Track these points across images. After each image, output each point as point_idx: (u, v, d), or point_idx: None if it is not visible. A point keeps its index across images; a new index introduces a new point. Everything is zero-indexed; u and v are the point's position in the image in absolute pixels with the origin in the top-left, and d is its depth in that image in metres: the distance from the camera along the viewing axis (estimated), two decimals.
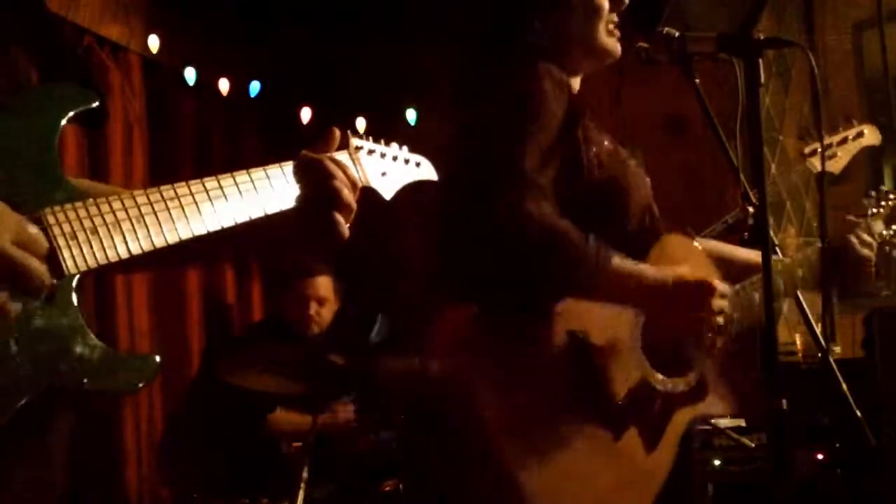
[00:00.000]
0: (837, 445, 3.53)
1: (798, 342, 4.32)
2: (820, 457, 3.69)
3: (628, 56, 2.15)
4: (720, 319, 1.99)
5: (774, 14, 5.32)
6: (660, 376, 1.99)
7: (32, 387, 1.34)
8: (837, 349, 4.36)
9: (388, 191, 1.79)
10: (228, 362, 3.57)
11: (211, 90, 5.24)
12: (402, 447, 3.70)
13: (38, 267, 1.33)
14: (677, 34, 2.04)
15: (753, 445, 3.68)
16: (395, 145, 1.83)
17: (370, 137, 1.79)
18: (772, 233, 1.89)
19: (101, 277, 4.38)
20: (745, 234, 2.72)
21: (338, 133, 1.65)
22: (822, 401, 2.98)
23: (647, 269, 1.94)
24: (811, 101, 5.46)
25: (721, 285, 1.99)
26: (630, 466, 1.94)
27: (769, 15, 5.11)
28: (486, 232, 1.85)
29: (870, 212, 2.43)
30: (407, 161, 1.85)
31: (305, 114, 5.67)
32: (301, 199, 1.58)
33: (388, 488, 3.72)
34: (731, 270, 2.17)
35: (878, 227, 2.42)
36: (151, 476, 4.57)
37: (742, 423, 3.76)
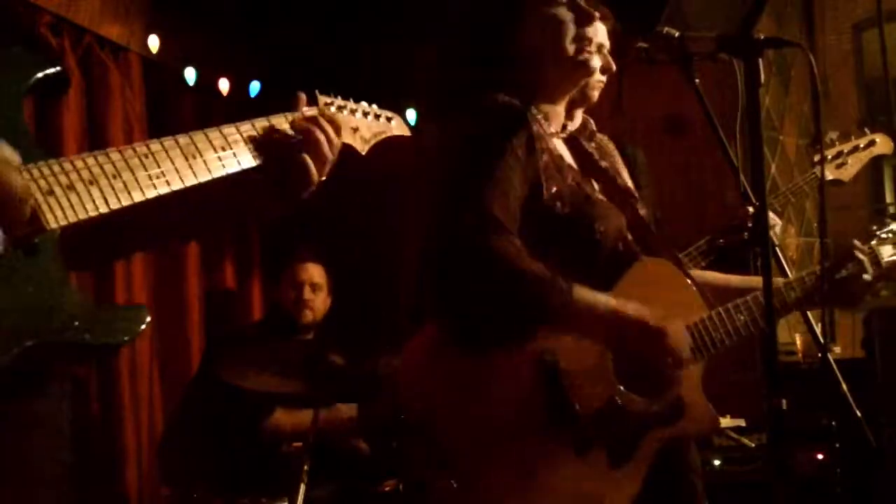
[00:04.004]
0: (837, 445, 3.53)
1: (798, 342, 4.32)
2: (820, 457, 3.69)
3: (628, 56, 2.15)
4: (677, 356, 2.00)
5: (774, 14, 5.33)
6: (630, 396, 2.01)
7: (23, 338, 1.33)
8: (837, 349, 4.37)
9: (360, 145, 1.80)
10: (228, 361, 3.57)
11: (211, 90, 5.24)
12: (400, 447, 3.70)
13: (22, 204, 1.32)
14: (677, 34, 2.03)
15: (753, 445, 3.68)
16: (363, 102, 1.84)
17: (339, 95, 1.80)
18: (772, 233, 1.89)
19: (101, 277, 4.39)
20: (745, 234, 2.72)
21: (304, 97, 1.68)
22: (822, 401, 2.98)
23: (608, 306, 1.95)
24: (811, 101, 5.47)
25: (677, 329, 2.00)
26: (592, 482, 1.97)
27: (769, 15, 5.12)
28: (455, 265, 1.89)
29: (876, 237, 2.38)
30: (378, 116, 1.86)
31: None
32: (272, 151, 1.62)
33: (388, 488, 3.73)
34: (724, 297, 2.18)
35: (887, 251, 2.37)
36: (151, 475, 4.57)
37: (742, 423, 3.77)
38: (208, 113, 5.33)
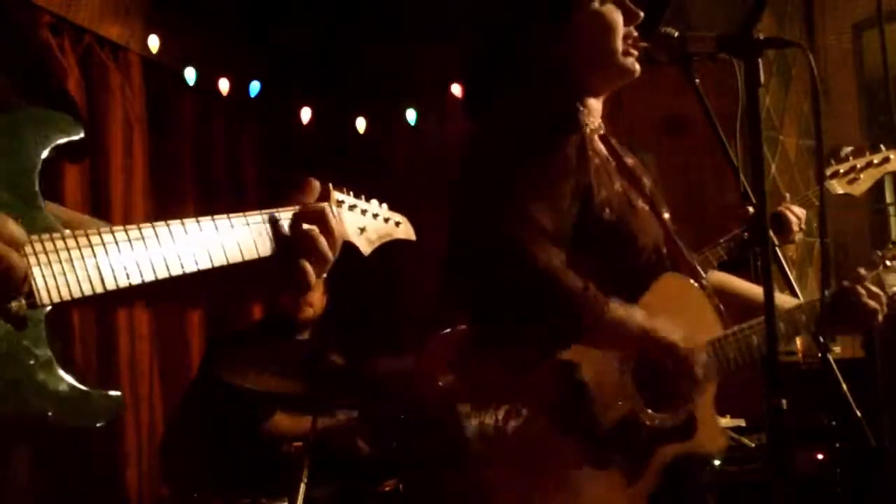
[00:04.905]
0: (837, 445, 3.53)
1: (798, 342, 4.32)
2: (820, 457, 3.69)
3: None
4: (698, 380, 2.01)
5: (774, 14, 5.33)
6: (648, 410, 2.00)
7: None
8: (837, 349, 4.36)
9: (365, 247, 1.80)
10: (228, 362, 3.57)
11: (211, 90, 5.24)
12: (401, 447, 3.71)
13: (20, 285, 1.31)
14: (677, 34, 2.03)
15: (753, 445, 3.68)
16: (374, 202, 1.84)
17: (351, 192, 1.80)
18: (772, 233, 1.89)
19: None
20: (745, 232, 2.72)
21: (316, 183, 1.65)
22: (822, 401, 2.98)
23: (640, 324, 1.95)
24: (811, 101, 5.47)
25: (700, 351, 2.01)
26: (608, 497, 1.96)
27: (769, 15, 5.11)
28: (489, 266, 1.87)
29: (882, 265, 2.36)
30: (387, 220, 1.87)
31: (305, 114, 5.67)
32: (277, 246, 1.58)
33: (388, 488, 3.73)
34: (737, 305, 2.18)
35: (891, 279, 2.34)
36: (151, 475, 4.57)
37: (742, 423, 3.76)
38: (208, 113, 5.33)
